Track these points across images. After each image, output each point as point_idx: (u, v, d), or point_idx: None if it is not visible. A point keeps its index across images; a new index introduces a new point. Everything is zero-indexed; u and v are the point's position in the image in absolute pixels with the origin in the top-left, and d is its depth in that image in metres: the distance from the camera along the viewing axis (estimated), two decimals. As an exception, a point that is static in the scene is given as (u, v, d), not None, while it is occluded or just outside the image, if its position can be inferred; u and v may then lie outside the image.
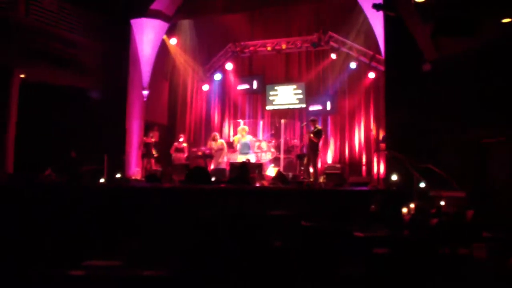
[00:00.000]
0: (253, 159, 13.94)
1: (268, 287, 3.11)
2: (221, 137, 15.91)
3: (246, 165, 10.17)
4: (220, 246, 3.22)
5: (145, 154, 14.93)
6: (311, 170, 13.27)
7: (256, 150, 14.73)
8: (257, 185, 10.23)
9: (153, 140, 14.92)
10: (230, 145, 14.72)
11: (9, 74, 11.86)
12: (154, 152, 14.88)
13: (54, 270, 2.88)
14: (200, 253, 3.18)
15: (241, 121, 16.98)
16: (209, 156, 15.31)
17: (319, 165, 13.75)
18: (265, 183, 11.52)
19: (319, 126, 13.33)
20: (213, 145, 14.35)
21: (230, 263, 3.14)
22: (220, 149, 14.25)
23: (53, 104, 12.84)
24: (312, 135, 12.86)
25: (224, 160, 14.34)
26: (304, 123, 15.39)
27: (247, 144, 14.01)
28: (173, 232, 3.32)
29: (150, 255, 3.32)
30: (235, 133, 16.71)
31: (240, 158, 13.53)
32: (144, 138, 14.94)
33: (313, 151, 12.99)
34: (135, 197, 3.67)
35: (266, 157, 14.86)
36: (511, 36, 8.55)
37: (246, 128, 14.57)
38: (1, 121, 11.60)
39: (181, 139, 15.16)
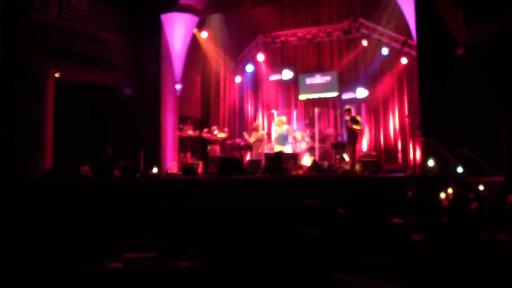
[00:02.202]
0: (289, 150, 13.91)
1: (302, 276, 3.11)
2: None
3: (280, 155, 10.16)
4: (253, 237, 3.23)
5: (181, 147, 15.09)
6: (347, 158, 13.24)
7: (291, 140, 14.65)
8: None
9: (189, 133, 15.03)
10: (268, 136, 14.71)
11: (44, 73, 12.11)
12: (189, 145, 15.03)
13: (92, 263, 2.93)
14: (235, 245, 3.20)
15: (274, 112, 16.95)
16: (244, 148, 15.34)
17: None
18: (301, 172, 11.52)
19: (354, 115, 13.33)
20: (255, 135, 14.33)
21: (264, 254, 3.15)
22: (260, 140, 14.23)
23: (88, 102, 13.07)
24: (349, 124, 12.87)
25: (265, 151, 14.29)
26: (338, 112, 15.34)
27: (284, 135, 14.00)
28: (206, 223, 3.34)
29: (184, 248, 3.35)
30: (269, 124, 16.71)
31: (277, 149, 13.49)
32: (178, 132, 15.06)
33: (352, 139, 12.98)
34: (167, 189, 3.70)
35: (301, 147, 14.80)
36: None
37: (284, 118, 14.55)
38: (39, 119, 11.86)
39: (215, 132, 15.19)
